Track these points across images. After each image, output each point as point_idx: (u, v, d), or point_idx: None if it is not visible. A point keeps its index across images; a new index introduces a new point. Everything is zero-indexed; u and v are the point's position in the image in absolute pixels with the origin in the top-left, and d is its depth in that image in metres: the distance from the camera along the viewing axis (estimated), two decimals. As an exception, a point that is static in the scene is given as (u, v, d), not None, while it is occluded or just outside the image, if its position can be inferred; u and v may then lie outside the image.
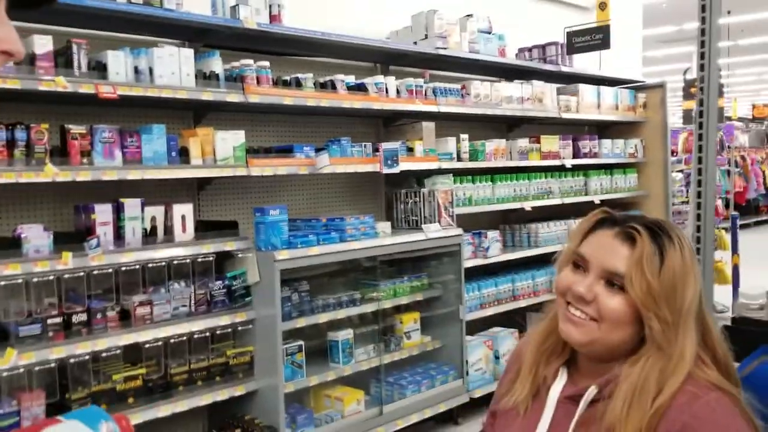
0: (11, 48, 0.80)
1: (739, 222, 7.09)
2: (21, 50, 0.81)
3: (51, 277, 3.01)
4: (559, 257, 1.43)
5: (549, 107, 5.43)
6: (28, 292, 2.96)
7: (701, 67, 2.12)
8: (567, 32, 5.51)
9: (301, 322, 3.71)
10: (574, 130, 6.11)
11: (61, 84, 2.94)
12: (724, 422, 1.22)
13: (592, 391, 1.32)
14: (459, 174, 4.80)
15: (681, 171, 8.30)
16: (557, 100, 5.51)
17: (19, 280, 2.92)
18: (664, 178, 6.47)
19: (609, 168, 6.15)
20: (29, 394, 2.93)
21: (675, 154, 8.16)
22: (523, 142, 5.27)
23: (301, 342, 3.73)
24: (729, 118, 15.50)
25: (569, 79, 5.82)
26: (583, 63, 6.13)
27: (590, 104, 5.85)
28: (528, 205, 5.23)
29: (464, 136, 4.84)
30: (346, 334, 3.99)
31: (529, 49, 5.69)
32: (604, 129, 6.46)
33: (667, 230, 1.30)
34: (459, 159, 4.78)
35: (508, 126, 5.69)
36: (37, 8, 0.90)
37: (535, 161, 5.34)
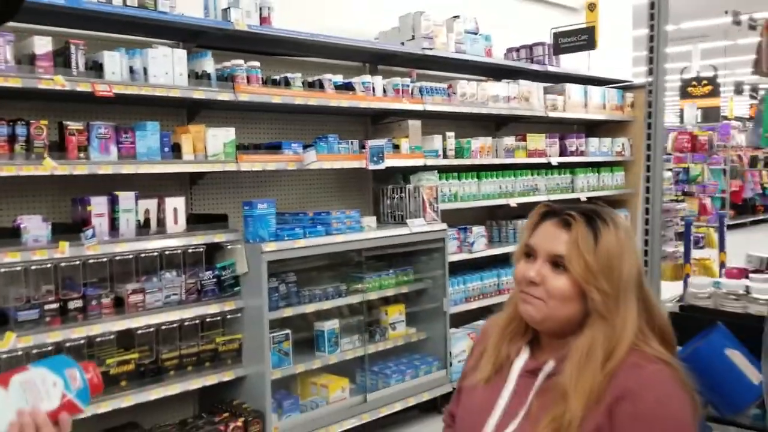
0: None
1: (736, 221, 7.25)
2: None
3: (49, 265, 3.18)
4: (515, 252, 1.60)
5: (536, 106, 5.59)
6: (27, 279, 3.13)
7: (650, 71, 2.27)
8: (554, 33, 5.66)
9: (288, 312, 3.88)
10: (563, 128, 6.27)
11: (59, 83, 3.11)
12: (663, 391, 1.37)
13: (550, 365, 1.48)
14: (445, 171, 4.95)
15: (670, 170, 8.45)
16: (544, 99, 5.67)
17: (19, 268, 3.09)
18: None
19: (596, 166, 6.30)
20: (27, 375, 3.10)
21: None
22: (510, 140, 5.42)
23: (288, 331, 3.89)
24: (726, 118, 15.61)
25: (557, 79, 5.97)
26: (573, 63, 6.27)
27: (577, 103, 6.00)
28: (513, 202, 5.39)
29: (450, 134, 4.99)
30: (332, 325, 4.15)
31: (517, 50, 5.84)
32: (592, 128, 6.61)
33: (602, 215, 1.47)
34: (445, 156, 4.94)
35: (496, 124, 5.84)
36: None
37: (521, 159, 5.49)
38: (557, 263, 1.46)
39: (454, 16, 5.07)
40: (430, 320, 4.75)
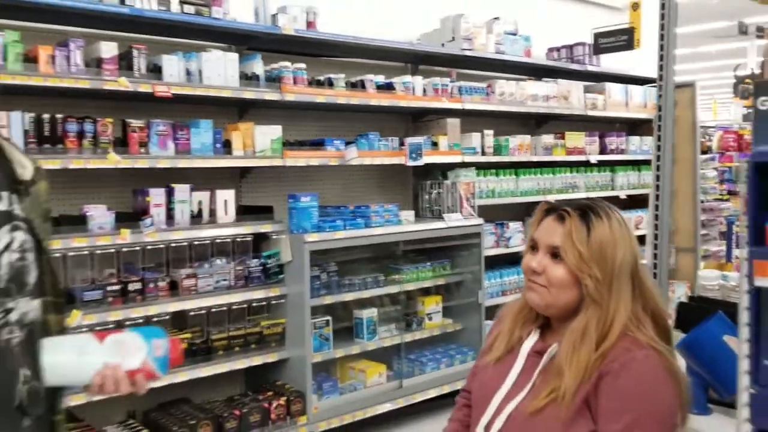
0: None
1: None
2: None
3: (111, 251, 3.50)
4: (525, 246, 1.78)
5: (575, 105, 5.69)
6: (92, 263, 3.45)
7: (660, 78, 2.40)
8: (594, 33, 5.74)
9: (329, 300, 4.12)
10: (604, 127, 6.34)
11: (123, 84, 3.41)
12: (646, 372, 1.53)
13: (554, 348, 1.66)
14: (483, 168, 5.12)
15: (716, 168, 8.38)
16: (584, 98, 5.77)
17: (85, 252, 3.41)
18: (693, 176, 6.61)
19: (638, 164, 6.35)
20: (91, 350, 3.42)
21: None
22: (548, 138, 5.55)
23: (328, 317, 4.13)
24: None
25: (597, 78, 6.06)
26: (615, 62, 6.33)
27: (618, 102, 6.07)
28: (551, 198, 5.50)
29: (488, 132, 5.15)
30: (370, 313, 4.37)
31: (558, 49, 5.94)
32: (634, 126, 6.66)
33: (595, 209, 1.64)
34: (483, 153, 5.11)
35: (536, 122, 5.96)
36: None
37: (559, 156, 5.61)
38: (555, 254, 1.63)
39: (494, 18, 5.22)
40: (466, 312, 4.93)
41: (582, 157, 5.79)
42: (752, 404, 1.09)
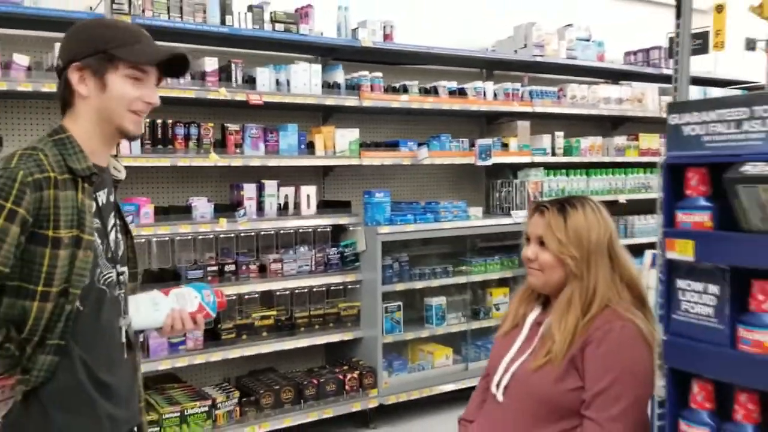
0: (154, 102, 1.63)
1: None
2: (158, 101, 1.64)
3: (211, 237, 4.07)
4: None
5: (649, 107, 5.82)
6: (194, 246, 4.04)
7: (674, 79, 2.64)
8: (669, 37, 5.84)
9: (400, 287, 4.53)
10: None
11: (222, 94, 3.97)
12: (623, 341, 1.85)
13: (550, 320, 2.01)
14: (554, 168, 5.37)
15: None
16: (659, 101, 5.88)
17: (189, 237, 4.00)
18: None
19: (718, 166, 6.35)
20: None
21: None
22: (620, 140, 5.71)
23: (399, 303, 4.55)
24: None
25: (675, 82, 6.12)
26: (697, 65, 6.36)
27: (697, 104, 6.11)
28: (622, 198, 5.68)
29: (559, 134, 5.40)
30: (439, 301, 4.75)
31: (635, 53, 6.08)
32: (716, 128, 6.64)
33: (572, 201, 1.98)
34: (553, 154, 5.36)
35: (612, 124, 6.13)
36: (177, 77, 1.73)
37: (631, 157, 5.76)
38: (542, 242, 1.98)
39: (567, 25, 5.46)
40: (533, 304, 5.18)
41: (656, 159, 5.90)
42: (664, 348, 1.41)
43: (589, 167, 5.59)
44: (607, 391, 1.78)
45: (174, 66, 1.66)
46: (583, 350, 1.86)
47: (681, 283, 1.38)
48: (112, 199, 1.71)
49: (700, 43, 5.65)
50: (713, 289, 1.31)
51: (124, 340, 1.70)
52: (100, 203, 1.64)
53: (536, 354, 1.96)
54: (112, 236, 1.68)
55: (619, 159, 5.70)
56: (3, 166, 1.47)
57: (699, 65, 6.43)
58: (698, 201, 1.36)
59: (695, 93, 6.11)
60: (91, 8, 3.73)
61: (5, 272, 1.44)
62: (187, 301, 1.82)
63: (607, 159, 5.65)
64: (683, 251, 1.32)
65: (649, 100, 5.83)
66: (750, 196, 1.20)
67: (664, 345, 1.38)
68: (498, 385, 2.04)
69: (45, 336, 1.48)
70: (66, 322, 1.50)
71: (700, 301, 1.34)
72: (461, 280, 4.83)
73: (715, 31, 6.27)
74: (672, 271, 1.38)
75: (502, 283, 5.14)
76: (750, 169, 1.20)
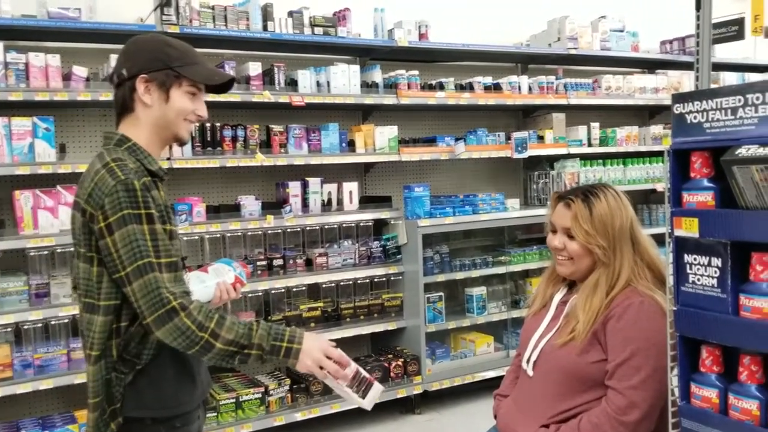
0: (204, 115, 1.85)
1: None
2: (207, 115, 1.86)
3: (259, 233, 4.29)
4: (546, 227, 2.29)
5: (687, 95, 5.83)
6: (244, 242, 4.27)
7: (696, 70, 2.72)
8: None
9: (441, 278, 4.69)
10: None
11: (266, 96, 4.18)
12: (641, 315, 1.98)
13: (575, 299, 2.16)
14: (591, 158, 5.45)
15: None
16: (696, 89, 5.88)
17: (239, 234, 4.23)
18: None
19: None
20: (245, 313, 4.24)
21: None
22: (657, 129, 5.75)
23: (441, 293, 4.70)
24: None
25: (714, 68, 6.11)
26: (735, 52, 6.33)
27: (736, 90, 6.10)
28: (660, 187, 5.71)
29: (595, 125, 5.48)
30: (480, 291, 4.89)
31: (671, 42, 6.10)
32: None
33: (595, 191, 2.11)
34: (589, 145, 5.44)
35: (649, 114, 6.16)
36: (223, 92, 1.94)
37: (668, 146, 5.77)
38: (569, 233, 2.12)
39: (601, 17, 5.53)
40: (573, 293, 5.28)
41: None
42: (675, 318, 1.54)
43: (625, 157, 5.64)
44: (628, 362, 1.91)
45: (220, 85, 1.89)
46: (605, 325, 2.00)
47: (688, 258, 1.51)
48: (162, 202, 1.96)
49: (736, 30, 5.65)
50: (716, 262, 1.44)
51: None
52: None
53: (561, 331, 2.11)
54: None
55: (656, 148, 5.73)
56: (113, 182, 1.63)
57: (736, 52, 6.41)
58: (702, 182, 1.49)
59: (733, 79, 6.10)
60: (141, 20, 3.99)
61: (181, 256, 1.73)
62: (224, 274, 2.05)
63: (643, 148, 5.69)
64: (689, 228, 1.45)
65: (687, 88, 5.83)
66: (745, 175, 1.33)
67: (675, 315, 1.51)
68: (528, 361, 2.19)
69: None
70: None
71: (705, 273, 1.47)
72: (500, 270, 4.95)
73: (754, 16, 6.25)
74: (680, 247, 1.51)
75: (540, 272, 5.23)
76: (744, 151, 1.32)
